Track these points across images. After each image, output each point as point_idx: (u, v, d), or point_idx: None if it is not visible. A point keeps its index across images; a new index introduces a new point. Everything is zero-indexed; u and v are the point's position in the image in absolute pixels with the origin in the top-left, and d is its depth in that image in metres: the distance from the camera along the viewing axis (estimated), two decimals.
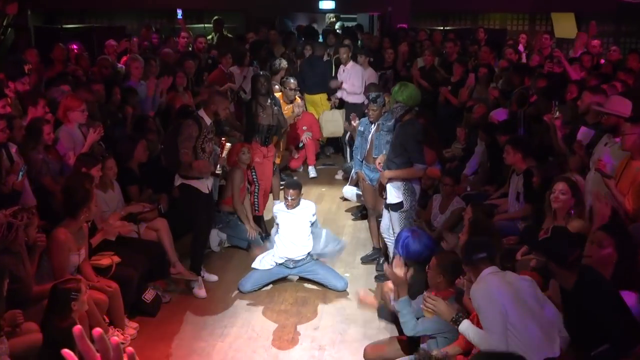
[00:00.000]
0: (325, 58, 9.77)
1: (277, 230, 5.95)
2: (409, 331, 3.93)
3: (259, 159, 6.99)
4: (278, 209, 5.99)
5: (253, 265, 5.91)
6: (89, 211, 4.72)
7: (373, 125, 6.04)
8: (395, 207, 5.54)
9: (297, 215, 5.86)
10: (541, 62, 9.11)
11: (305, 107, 9.35)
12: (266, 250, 6.04)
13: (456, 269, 3.99)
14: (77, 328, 1.36)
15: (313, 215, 5.94)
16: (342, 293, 5.80)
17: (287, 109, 8.03)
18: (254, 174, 6.95)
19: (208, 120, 5.59)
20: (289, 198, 5.82)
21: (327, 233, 6.01)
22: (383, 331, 5.03)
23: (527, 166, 5.75)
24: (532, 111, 6.83)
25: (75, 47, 8.55)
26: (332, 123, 9.21)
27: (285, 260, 5.88)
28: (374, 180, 6.12)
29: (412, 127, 5.42)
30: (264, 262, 5.90)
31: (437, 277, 4.00)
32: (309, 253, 5.90)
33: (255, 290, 5.82)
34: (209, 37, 10.96)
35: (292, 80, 8.06)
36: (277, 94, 7.95)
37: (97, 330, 1.37)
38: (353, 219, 7.62)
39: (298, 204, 5.87)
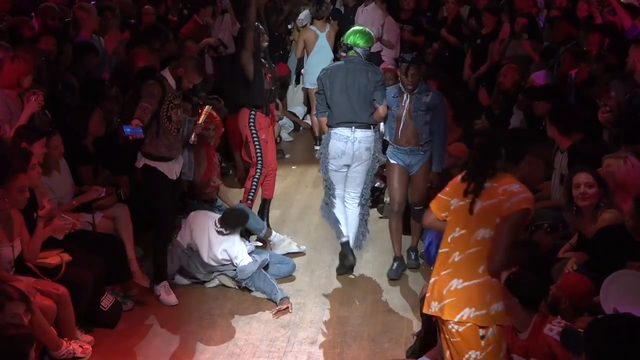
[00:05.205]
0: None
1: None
2: None
3: (265, 135, 6.62)
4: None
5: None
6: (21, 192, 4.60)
7: (405, 98, 5.80)
8: None
9: None
10: (591, 10, 8.88)
11: None
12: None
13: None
14: None
15: None
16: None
17: None
18: (259, 154, 6.53)
19: (173, 83, 5.53)
20: None
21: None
22: (392, 349, 5.05)
23: (573, 142, 5.65)
24: (582, 74, 6.70)
25: None
26: None
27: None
28: (413, 166, 5.94)
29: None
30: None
31: None
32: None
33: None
34: None
35: None
36: None
37: None
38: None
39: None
